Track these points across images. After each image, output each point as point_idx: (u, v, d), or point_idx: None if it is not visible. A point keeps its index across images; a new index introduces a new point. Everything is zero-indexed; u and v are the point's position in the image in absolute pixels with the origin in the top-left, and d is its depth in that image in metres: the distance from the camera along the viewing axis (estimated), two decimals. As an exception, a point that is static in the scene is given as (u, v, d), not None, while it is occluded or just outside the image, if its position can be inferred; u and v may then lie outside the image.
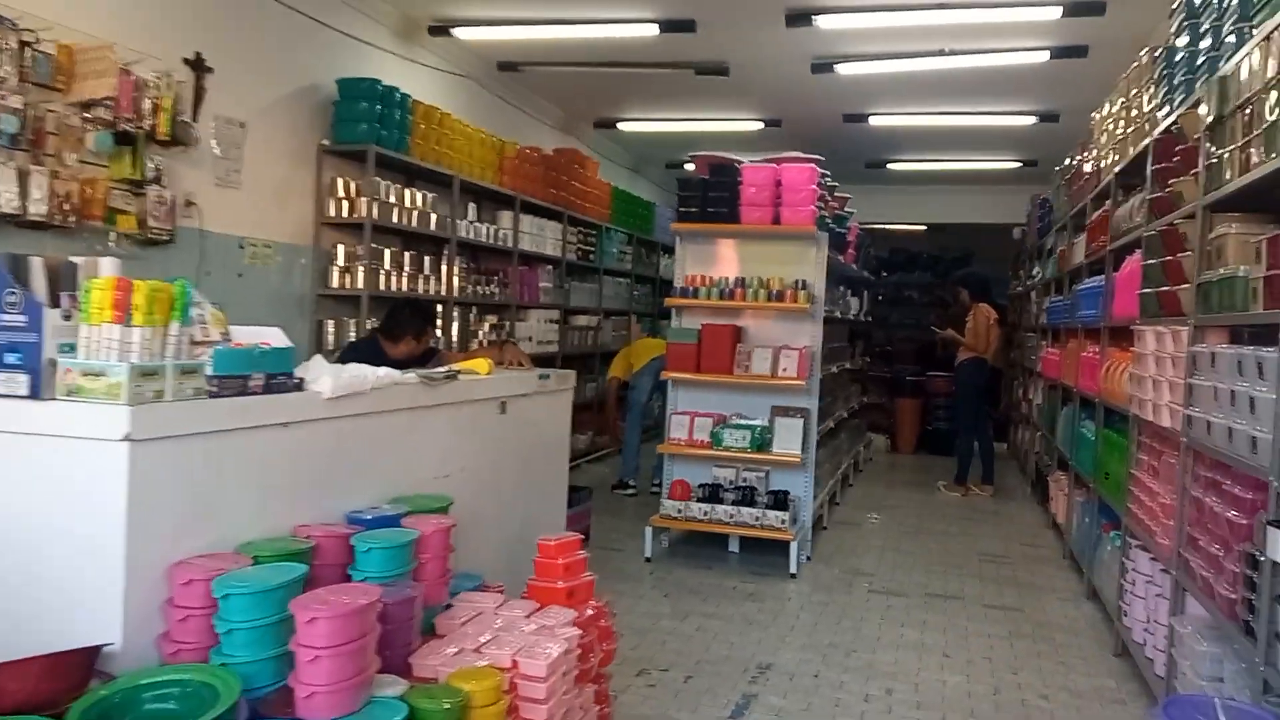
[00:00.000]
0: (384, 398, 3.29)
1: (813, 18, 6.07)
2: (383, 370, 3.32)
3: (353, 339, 5.79)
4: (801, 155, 6.19)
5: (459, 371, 3.93)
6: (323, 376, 3.02)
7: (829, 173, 6.76)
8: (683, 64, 7.49)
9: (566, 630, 3.09)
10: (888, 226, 14.13)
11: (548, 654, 2.80)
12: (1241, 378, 2.93)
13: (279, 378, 2.76)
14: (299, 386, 2.90)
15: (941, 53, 6.79)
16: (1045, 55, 6.66)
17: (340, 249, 6.02)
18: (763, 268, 6.30)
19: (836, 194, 7.29)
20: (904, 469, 10.60)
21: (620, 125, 10.01)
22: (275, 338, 3.01)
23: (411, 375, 3.53)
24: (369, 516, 3.04)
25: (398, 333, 4.63)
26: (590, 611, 3.55)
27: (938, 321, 9.74)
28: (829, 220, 6.68)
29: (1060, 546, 6.70)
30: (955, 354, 9.17)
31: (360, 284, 5.97)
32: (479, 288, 7.45)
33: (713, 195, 6.13)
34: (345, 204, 5.97)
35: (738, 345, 6.24)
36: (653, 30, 6.46)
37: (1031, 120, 8.83)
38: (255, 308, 5.48)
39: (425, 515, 3.16)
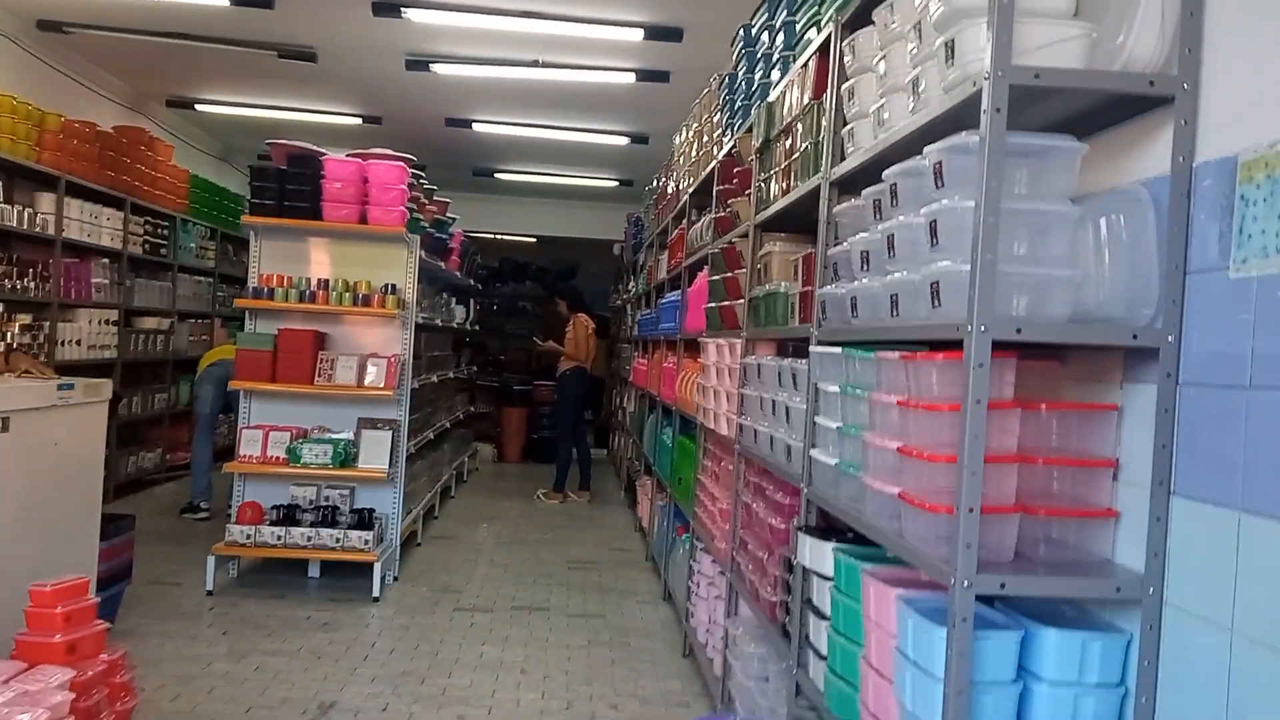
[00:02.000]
0: None
1: (402, 9, 5.79)
2: None
3: None
4: (391, 153, 5.89)
5: (-67, 381, 3.18)
6: None
7: (425, 175, 6.51)
8: (264, 44, 6.86)
9: (56, 695, 2.57)
10: (497, 236, 14.18)
11: (13, 732, 2.27)
12: (780, 388, 3.08)
13: None
14: None
15: (536, 63, 6.81)
16: (631, 77, 6.92)
17: None
18: (350, 270, 5.90)
19: (436, 198, 7.07)
20: (509, 478, 10.60)
21: (199, 106, 9.02)
22: None
23: None
24: None
25: None
26: (100, 667, 3.01)
27: (540, 333, 9.84)
28: (425, 224, 6.43)
29: (645, 549, 6.95)
30: (557, 364, 9.30)
31: None
32: (8, 282, 6.28)
33: (291, 188, 5.63)
34: None
35: (321, 352, 5.78)
36: (222, 1, 5.80)
37: (624, 141, 9.20)
38: None
39: None
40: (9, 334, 6.29)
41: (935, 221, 1.80)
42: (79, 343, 7.11)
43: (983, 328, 1.65)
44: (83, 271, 7.26)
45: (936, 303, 1.80)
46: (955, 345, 1.76)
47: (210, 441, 7.31)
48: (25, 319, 6.51)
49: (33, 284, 6.58)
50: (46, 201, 6.80)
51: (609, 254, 13.06)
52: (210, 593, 5.28)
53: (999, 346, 1.69)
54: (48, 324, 6.73)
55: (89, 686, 2.94)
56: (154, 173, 8.28)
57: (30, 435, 3.63)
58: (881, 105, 2.26)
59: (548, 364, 10.31)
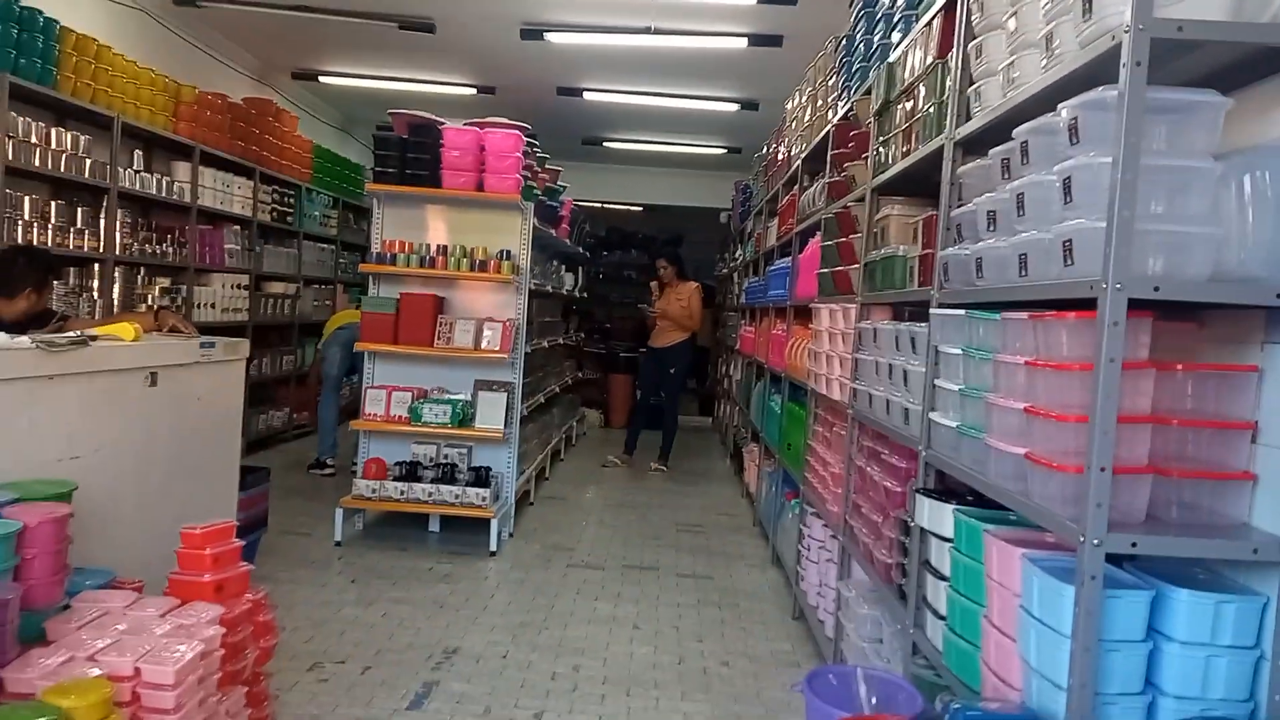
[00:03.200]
0: (-15, 366, 2.78)
1: (519, -22, 5.89)
2: (-20, 333, 2.79)
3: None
4: (507, 121, 6.00)
5: (94, 336, 3.42)
6: (-110, 339, 2.48)
7: (538, 143, 6.62)
8: (385, 16, 7.05)
9: (208, 629, 2.76)
10: (605, 205, 14.29)
11: (177, 658, 2.46)
12: (898, 352, 3.08)
13: None
14: None
15: (648, 30, 6.83)
16: (743, 42, 6.87)
17: (-36, 194, 5.14)
18: (467, 236, 6.07)
19: (548, 166, 7.18)
20: (615, 443, 10.69)
21: (322, 78, 9.34)
22: None
23: (25, 340, 3.01)
24: (-43, 507, 2.54)
25: (13, 289, 3.94)
26: (245, 606, 3.21)
27: (652, 297, 9.39)
28: (537, 191, 6.55)
29: (752, 515, 7.00)
30: (653, 333, 8.99)
31: (-11, 235, 5.12)
32: (149, 246, 6.66)
33: (412, 156, 5.81)
34: (-30, 141, 5.10)
35: (440, 315, 5.98)
36: (348, -27, 6.01)
37: (734, 107, 9.15)
38: None
39: (35, 504, 2.69)
40: (150, 296, 6.68)
41: (1070, 179, 1.78)
42: (213, 306, 7.50)
43: (1118, 285, 1.64)
44: (216, 238, 7.64)
45: (1069, 261, 1.78)
46: (1086, 306, 1.75)
47: (336, 401, 7.64)
48: (164, 282, 6.91)
49: (171, 249, 6.96)
50: (182, 170, 7.16)
51: (715, 222, 13.03)
52: (338, 543, 5.56)
53: (1135, 306, 1.68)
54: (185, 288, 7.12)
55: (236, 623, 3.13)
56: (281, 143, 8.62)
57: (176, 390, 3.86)
58: (1011, 63, 2.23)
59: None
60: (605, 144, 11.74)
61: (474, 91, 9.35)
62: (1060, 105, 1.84)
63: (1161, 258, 1.72)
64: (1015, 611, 1.97)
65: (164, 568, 3.23)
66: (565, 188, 8.07)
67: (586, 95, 9.14)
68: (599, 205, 14.02)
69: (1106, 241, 1.65)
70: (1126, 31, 1.62)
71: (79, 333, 3.35)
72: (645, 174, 13.48)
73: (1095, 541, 1.68)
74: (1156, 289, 1.66)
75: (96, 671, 2.35)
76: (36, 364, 3.02)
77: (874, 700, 2.33)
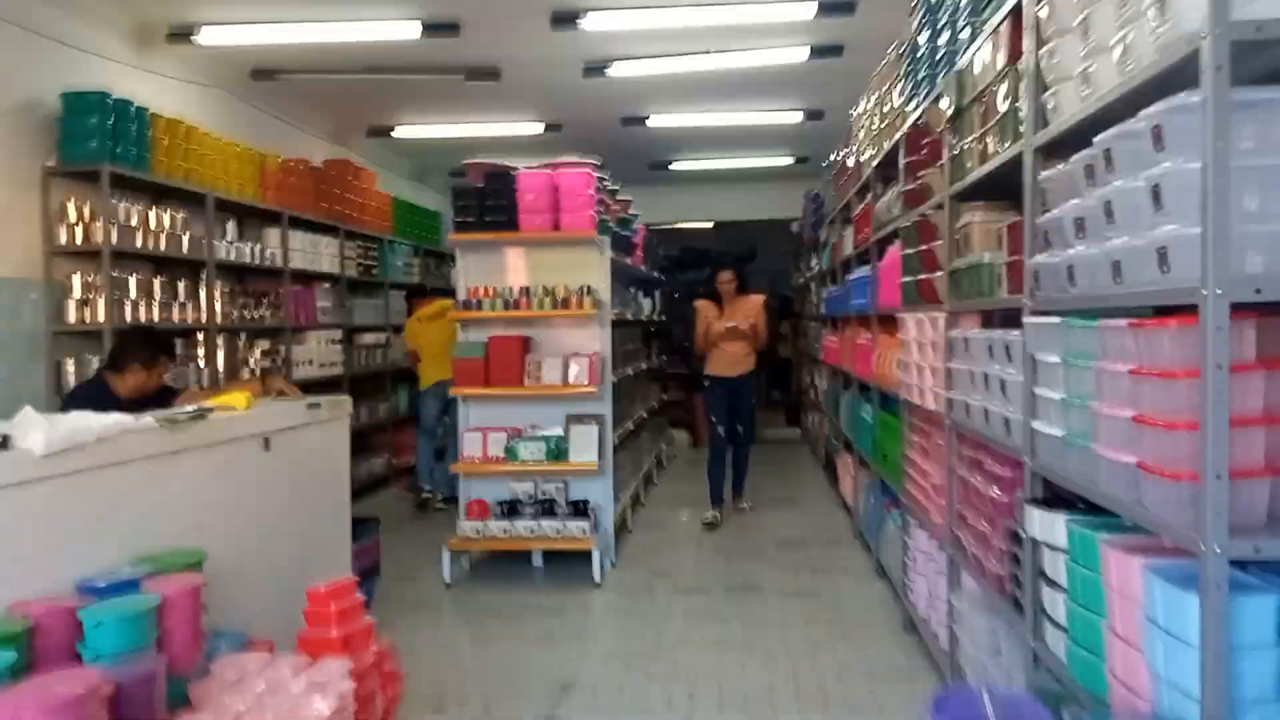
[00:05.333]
0: (116, 448, 2.94)
1: (578, 20, 6.00)
2: (111, 417, 2.95)
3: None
4: (578, 160, 6.12)
5: (210, 409, 3.59)
6: (33, 431, 2.65)
7: (607, 176, 6.72)
8: (451, 68, 7.26)
9: (341, 684, 2.86)
10: (676, 226, 14.36)
11: (316, 715, 2.57)
12: (992, 361, 3.05)
13: (-30, 438, 2.40)
14: (2, 445, 2.54)
15: (708, 53, 6.89)
16: (804, 54, 6.88)
17: (76, 279, 5.43)
18: (547, 275, 6.19)
19: (618, 197, 7.27)
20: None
21: (395, 133, 9.63)
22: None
23: (149, 419, 3.18)
24: (103, 583, 2.70)
25: (122, 363, 4.18)
26: (371, 657, 3.32)
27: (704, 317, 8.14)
28: (611, 224, 6.65)
29: (851, 526, 6.94)
30: (710, 358, 7.76)
31: (101, 317, 5.40)
32: (246, 312, 6.94)
33: (489, 204, 5.95)
34: (79, 230, 5.39)
35: (527, 355, 6.10)
36: (415, 31, 6.19)
37: (798, 118, 9.14)
38: (-24, 351, 4.89)
39: (171, 574, 2.84)
40: (251, 359, 6.96)
41: (1158, 186, 1.77)
42: (310, 362, 7.77)
43: (1218, 291, 1.62)
44: (308, 297, 7.92)
45: (1165, 268, 1.77)
46: (1187, 309, 1.73)
47: (431, 444, 7.88)
48: (264, 345, 7.18)
49: (267, 312, 7.24)
50: (273, 236, 7.46)
51: (786, 234, 12.97)
52: (448, 585, 5.70)
53: (1237, 307, 1.66)
54: (284, 347, 7.40)
55: (365, 674, 3.25)
56: (361, 200, 8.92)
57: (288, 452, 4.01)
58: (1086, 67, 2.21)
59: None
60: (671, 166, 11.84)
61: (541, 129, 9.52)
62: (1141, 112, 1.83)
63: (1260, 257, 1.69)
64: (1138, 621, 1.95)
65: (289, 622, 3.36)
66: (637, 215, 8.16)
67: (650, 122, 9.23)
68: (669, 226, 14.09)
69: (1203, 248, 1.63)
70: (1204, 37, 1.61)
71: (196, 407, 3.53)
72: (714, 191, 13.51)
73: (1217, 549, 1.66)
74: (1258, 291, 1.64)
75: (243, 732, 2.47)
76: (161, 441, 3.19)
77: None
